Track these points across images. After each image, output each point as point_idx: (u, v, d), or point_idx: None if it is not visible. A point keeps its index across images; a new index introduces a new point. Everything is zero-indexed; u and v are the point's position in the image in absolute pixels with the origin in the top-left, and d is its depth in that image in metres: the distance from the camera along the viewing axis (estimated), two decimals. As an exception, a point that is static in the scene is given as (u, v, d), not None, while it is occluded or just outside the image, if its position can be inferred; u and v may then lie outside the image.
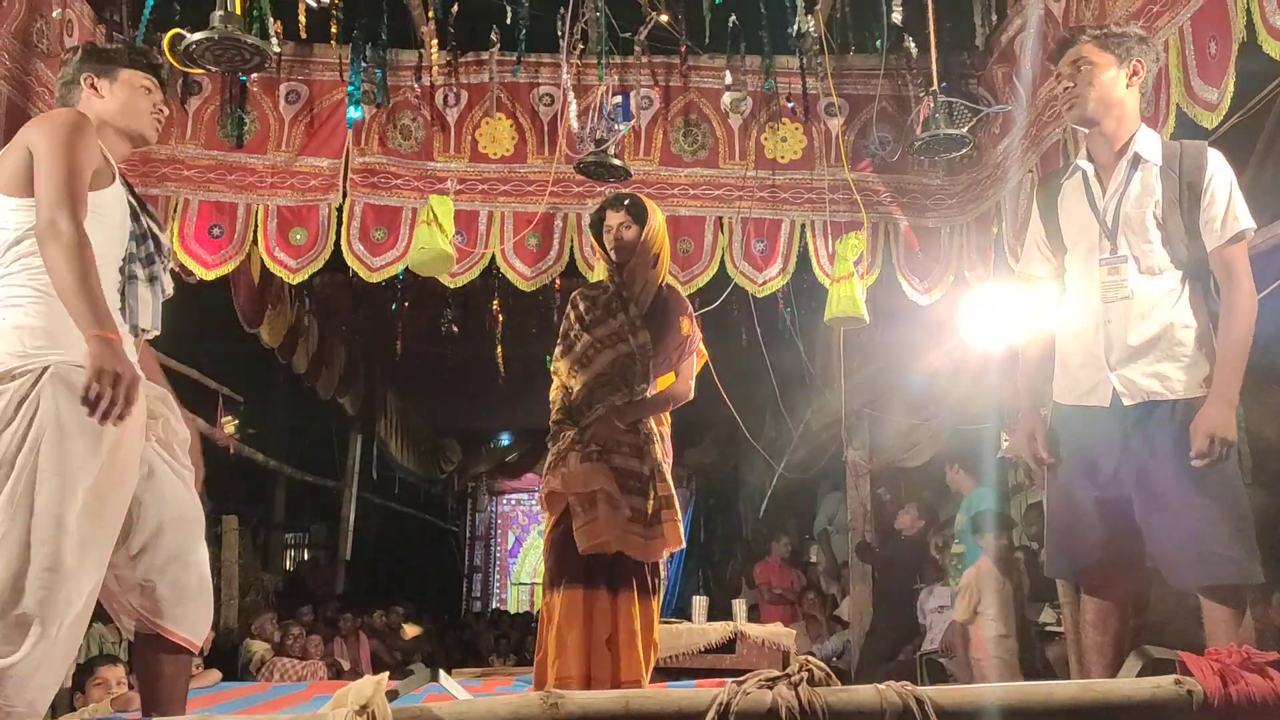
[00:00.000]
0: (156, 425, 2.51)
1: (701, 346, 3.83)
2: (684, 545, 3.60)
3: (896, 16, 4.73)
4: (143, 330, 2.53)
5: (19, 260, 2.34)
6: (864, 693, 1.82)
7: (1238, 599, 2.51)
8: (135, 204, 2.57)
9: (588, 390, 3.49)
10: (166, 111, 2.67)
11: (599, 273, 3.69)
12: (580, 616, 3.33)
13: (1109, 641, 2.72)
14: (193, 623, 2.48)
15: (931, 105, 4.17)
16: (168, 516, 2.45)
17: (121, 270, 2.48)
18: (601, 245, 3.62)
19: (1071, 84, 2.77)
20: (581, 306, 3.59)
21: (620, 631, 3.36)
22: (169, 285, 2.62)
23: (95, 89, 2.56)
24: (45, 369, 2.26)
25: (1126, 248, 2.71)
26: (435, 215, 4.76)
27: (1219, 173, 2.67)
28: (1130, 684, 1.84)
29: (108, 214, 2.43)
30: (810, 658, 1.91)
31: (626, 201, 3.59)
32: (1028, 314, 3.04)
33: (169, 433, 2.54)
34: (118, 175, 2.51)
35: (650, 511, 3.42)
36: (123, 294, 2.47)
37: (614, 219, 3.54)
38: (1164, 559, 2.60)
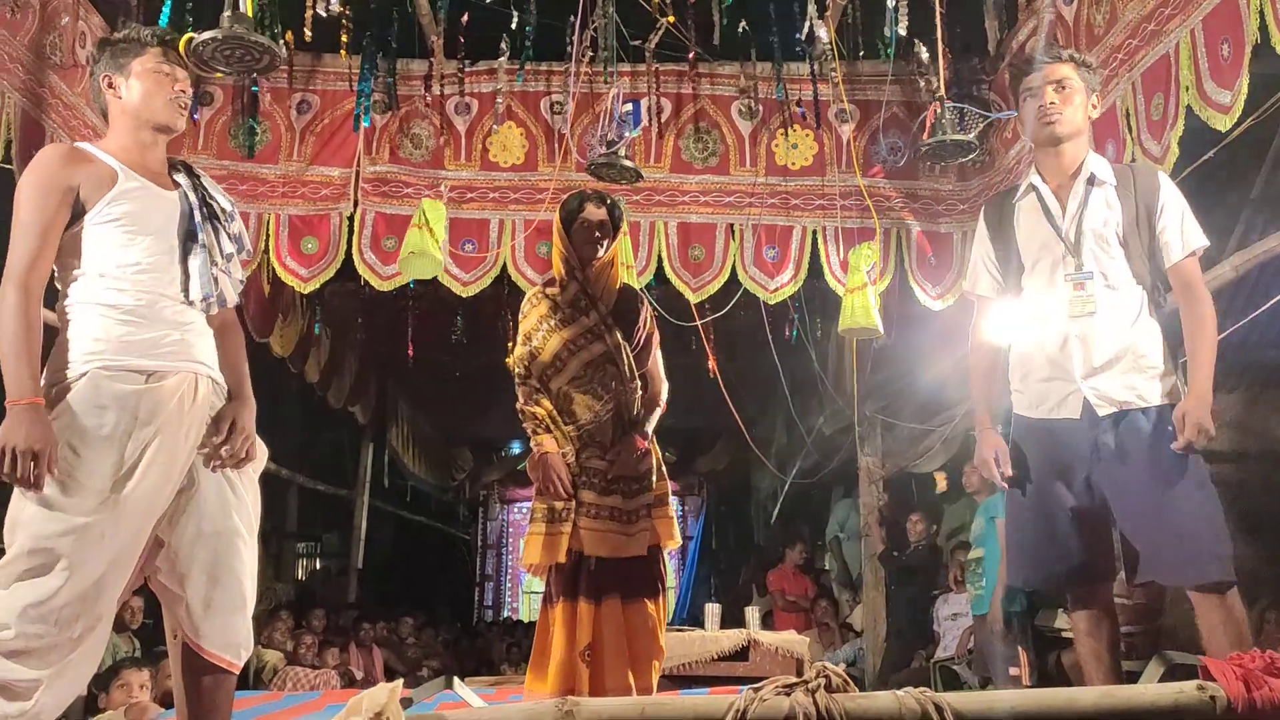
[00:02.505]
0: (216, 433, 2.47)
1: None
2: (678, 541, 3.57)
3: (902, 28, 4.72)
4: (199, 301, 2.51)
5: (70, 289, 2.44)
6: (882, 699, 1.80)
7: (1224, 590, 2.57)
8: (183, 184, 2.56)
9: (566, 394, 3.43)
10: (189, 92, 2.60)
11: (557, 271, 3.56)
12: (564, 631, 3.31)
13: (1105, 648, 2.78)
14: (223, 637, 2.42)
15: (939, 111, 4.15)
16: (205, 530, 2.42)
17: (176, 247, 2.50)
18: (568, 236, 3.45)
19: (1056, 101, 2.82)
20: (544, 306, 3.47)
21: (604, 640, 3.31)
22: (217, 254, 2.56)
23: (113, 88, 2.56)
24: (82, 375, 2.32)
25: (1092, 263, 2.78)
26: (426, 219, 4.77)
27: (1171, 194, 2.80)
28: (1153, 690, 1.82)
29: (122, 214, 2.44)
30: (827, 664, 1.89)
31: (609, 200, 3.48)
32: (985, 332, 3.07)
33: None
34: (123, 172, 2.47)
35: (633, 510, 3.38)
36: (185, 271, 2.50)
37: (596, 213, 3.40)
38: (1151, 561, 2.67)
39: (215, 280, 2.54)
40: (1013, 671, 5.33)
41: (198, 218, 2.53)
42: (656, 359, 3.60)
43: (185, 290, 2.48)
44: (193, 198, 2.55)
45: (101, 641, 2.34)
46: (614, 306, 3.48)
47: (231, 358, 2.63)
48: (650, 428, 3.49)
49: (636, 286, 3.91)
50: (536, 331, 3.45)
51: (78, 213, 2.42)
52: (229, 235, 2.62)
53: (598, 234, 3.40)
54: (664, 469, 3.54)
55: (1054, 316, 2.81)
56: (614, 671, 3.28)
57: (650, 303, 3.72)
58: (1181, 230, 2.74)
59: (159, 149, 2.59)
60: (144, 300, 2.43)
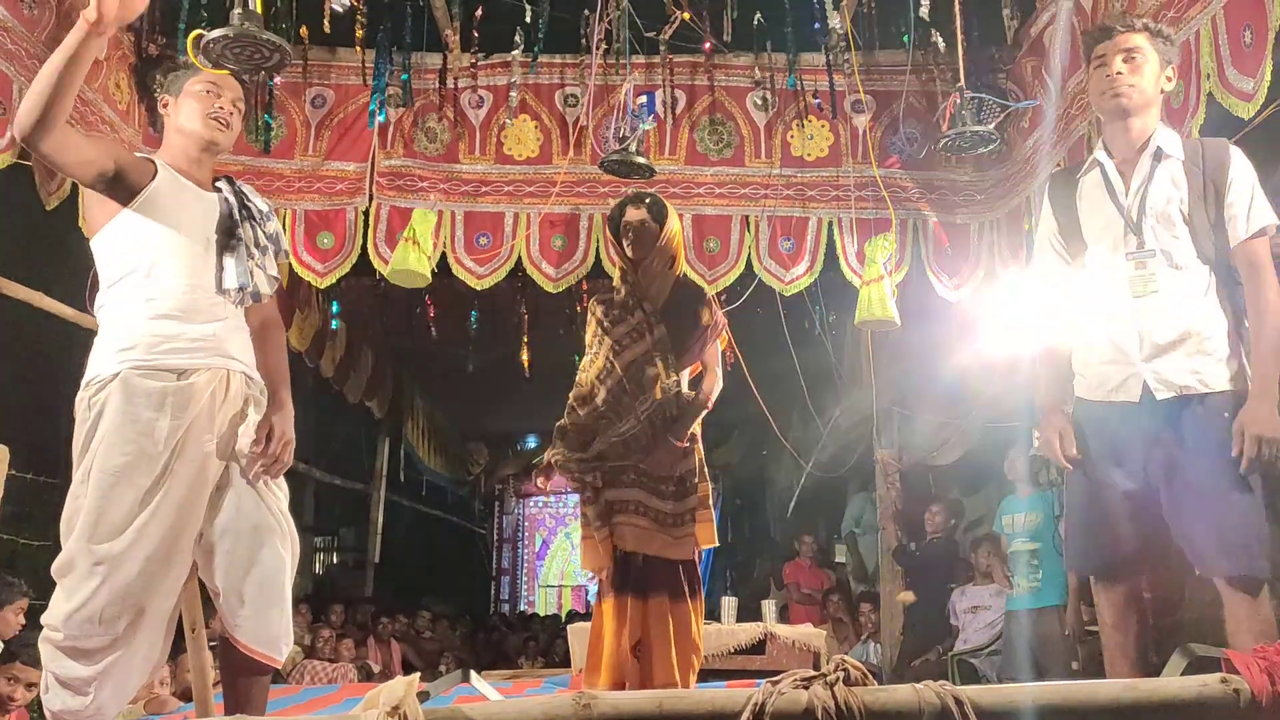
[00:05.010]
0: (243, 431, 2.55)
1: (725, 332, 3.80)
2: (715, 544, 3.60)
3: (924, 11, 4.68)
4: (234, 291, 2.60)
5: (108, 291, 2.55)
6: (901, 692, 1.79)
7: (1257, 587, 2.50)
8: (224, 189, 2.69)
9: (615, 398, 3.47)
10: (230, 110, 2.68)
11: (616, 281, 3.68)
12: (614, 626, 3.38)
13: (1131, 641, 2.71)
14: (257, 631, 2.48)
15: (958, 102, 4.11)
16: (241, 525, 2.49)
17: (212, 242, 2.60)
18: (618, 242, 3.59)
19: (1125, 72, 2.69)
20: (599, 311, 3.59)
21: (652, 636, 3.36)
22: (252, 248, 2.66)
23: (166, 108, 2.72)
24: (115, 375, 2.41)
25: (1154, 241, 2.66)
26: (415, 234, 4.81)
27: (1241, 169, 2.65)
28: (1176, 683, 1.80)
29: (162, 201, 2.54)
30: (846, 657, 1.88)
31: (648, 200, 3.58)
32: (1051, 311, 2.98)
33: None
34: (164, 168, 2.60)
35: (680, 513, 3.42)
36: (220, 264, 2.60)
37: (634, 215, 3.52)
38: (1193, 549, 2.57)
39: (250, 273, 2.63)
40: (1075, 666, 5.28)
41: (236, 217, 2.64)
42: (715, 356, 3.63)
43: (219, 282, 2.57)
44: (232, 200, 2.67)
45: (155, 638, 2.43)
46: (665, 303, 3.54)
47: (271, 360, 2.73)
48: (688, 429, 3.47)
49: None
50: (594, 339, 3.57)
51: (123, 196, 2.50)
52: (265, 233, 2.72)
53: (638, 234, 3.50)
54: (706, 469, 3.56)
55: (1115, 296, 2.70)
56: (662, 667, 3.33)
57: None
58: (1250, 207, 2.60)
59: (205, 165, 2.70)
60: (178, 296, 2.50)
